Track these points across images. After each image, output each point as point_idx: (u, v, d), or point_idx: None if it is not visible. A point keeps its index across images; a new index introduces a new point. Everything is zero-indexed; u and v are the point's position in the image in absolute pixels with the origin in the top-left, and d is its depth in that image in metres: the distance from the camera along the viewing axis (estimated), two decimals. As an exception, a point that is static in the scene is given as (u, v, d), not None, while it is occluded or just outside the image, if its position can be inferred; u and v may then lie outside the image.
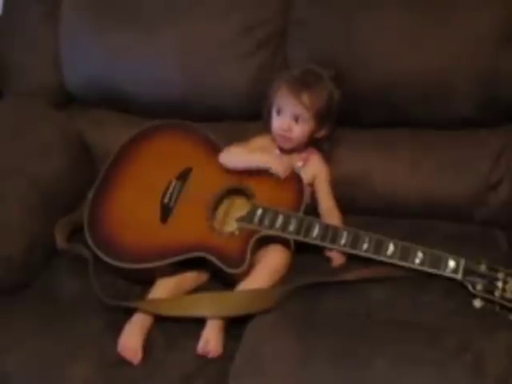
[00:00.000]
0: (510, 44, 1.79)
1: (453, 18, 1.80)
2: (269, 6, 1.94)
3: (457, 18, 1.80)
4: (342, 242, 1.63)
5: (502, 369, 1.41)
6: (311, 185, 1.82)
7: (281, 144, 1.82)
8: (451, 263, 1.57)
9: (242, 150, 1.81)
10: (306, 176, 1.78)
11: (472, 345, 1.44)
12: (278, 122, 1.79)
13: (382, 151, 1.93)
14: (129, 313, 1.59)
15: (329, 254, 1.68)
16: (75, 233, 1.81)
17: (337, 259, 1.67)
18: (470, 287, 1.54)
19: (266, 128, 1.86)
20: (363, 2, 1.86)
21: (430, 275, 1.59)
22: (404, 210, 1.90)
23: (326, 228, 1.65)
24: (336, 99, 1.81)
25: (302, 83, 1.76)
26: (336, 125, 1.86)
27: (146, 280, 1.68)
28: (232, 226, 1.71)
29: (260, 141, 1.87)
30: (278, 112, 1.79)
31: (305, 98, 1.75)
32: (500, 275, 1.54)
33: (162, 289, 1.65)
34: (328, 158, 1.89)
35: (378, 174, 1.91)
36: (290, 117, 1.77)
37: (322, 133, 1.84)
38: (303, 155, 1.85)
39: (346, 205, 1.87)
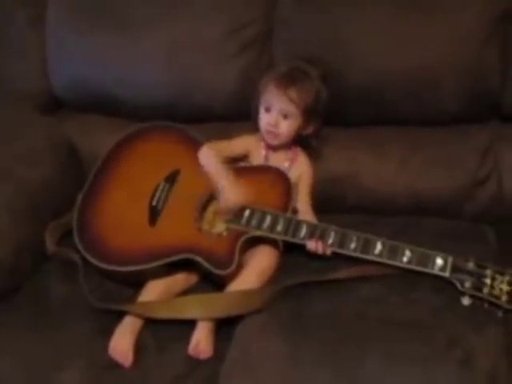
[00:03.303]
0: (495, 40, 1.80)
1: (439, 15, 1.81)
2: (254, 7, 1.94)
3: (443, 16, 1.81)
4: (330, 241, 1.63)
5: (491, 365, 1.42)
6: (298, 184, 1.81)
7: (268, 140, 1.82)
8: (439, 261, 1.58)
9: (217, 160, 1.78)
10: (292, 176, 1.78)
11: (461, 341, 1.45)
12: (266, 118, 1.79)
13: (370, 149, 1.93)
14: (119, 316, 1.59)
15: (309, 247, 1.66)
16: (65, 236, 1.81)
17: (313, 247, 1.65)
18: (458, 285, 1.54)
19: (254, 126, 1.86)
20: (349, 1, 1.86)
21: (419, 273, 1.59)
22: (393, 207, 1.90)
23: (313, 228, 1.66)
24: (323, 96, 1.81)
25: (290, 79, 1.76)
26: (324, 123, 1.85)
27: (136, 282, 1.68)
28: (220, 228, 1.71)
29: (246, 140, 1.87)
30: (267, 109, 1.79)
31: (293, 93, 1.75)
32: (488, 272, 1.54)
33: (152, 291, 1.65)
34: (316, 156, 1.89)
35: (366, 172, 1.92)
36: (278, 112, 1.77)
37: (308, 130, 1.84)
38: (290, 155, 1.85)
39: (334, 203, 1.90)
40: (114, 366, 1.52)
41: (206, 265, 1.61)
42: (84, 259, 1.69)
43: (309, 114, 1.79)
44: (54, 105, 2.14)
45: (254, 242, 1.69)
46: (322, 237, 1.64)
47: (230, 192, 1.72)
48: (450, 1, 1.81)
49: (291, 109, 1.76)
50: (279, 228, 1.66)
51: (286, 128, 1.78)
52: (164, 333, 1.58)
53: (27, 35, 2.10)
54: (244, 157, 1.87)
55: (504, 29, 1.80)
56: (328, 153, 1.93)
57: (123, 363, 1.52)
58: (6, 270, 1.70)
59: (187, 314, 1.57)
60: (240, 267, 1.64)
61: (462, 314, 1.52)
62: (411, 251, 1.60)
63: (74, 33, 2.02)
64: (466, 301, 1.53)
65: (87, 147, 2.06)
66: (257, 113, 1.82)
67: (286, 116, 1.77)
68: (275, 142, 1.82)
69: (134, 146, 1.91)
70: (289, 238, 1.66)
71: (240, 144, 1.87)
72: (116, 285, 1.70)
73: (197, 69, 1.95)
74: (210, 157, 1.80)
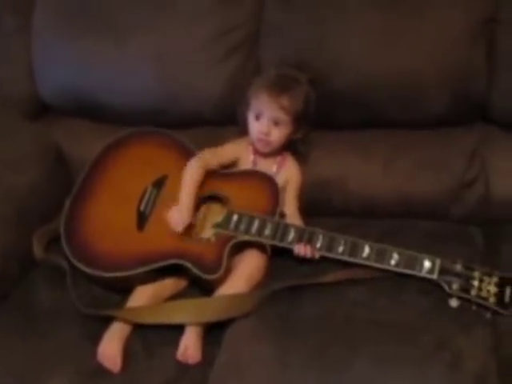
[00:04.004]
0: (481, 42, 1.80)
1: (424, 18, 1.81)
2: (240, 11, 1.94)
3: (428, 19, 1.81)
4: (318, 245, 1.64)
5: (479, 366, 1.43)
6: (285, 188, 1.81)
7: (260, 148, 1.82)
8: (427, 263, 1.58)
9: (190, 179, 1.76)
10: (280, 180, 1.79)
11: (450, 343, 1.46)
12: (258, 126, 1.78)
13: (357, 152, 1.93)
14: (107, 322, 1.59)
15: (297, 251, 1.66)
16: (53, 242, 1.80)
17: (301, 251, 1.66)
18: (445, 287, 1.55)
19: (242, 132, 1.87)
20: (335, 4, 1.86)
21: (407, 275, 1.60)
22: (380, 210, 1.90)
23: (301, 232, 1.66)
24: (312, 101, 1.81)
25: (281, 87, 1.76)
26: (312, 127, 1.86)
27: (125, 288, 1.67)
28: (208, 233, 1.71)
29: (235, 147, 1.87)
30: (257, 116, 1.78)
31: (284, 101, 1.74)
32: (476, 274, 1.56)
33: (140, 296, 1.65)
34: (304, 160, 1.89)
35: (353, 175, 1.91)
36: (269, 121, 1.77)
37: (298, 135, 1.84)
38: (278, 159, 1.85)
39: (322, 207, 1.90)
40: (103, 371, 1.52)
41: (195, 270, 1.61)
42: (72, 265, 1.68)
43: (299, 119, 1.79)
44: (41, 110, 2.13)
45: (242, 246, 1.69)
46: (310, 241, 1.65)
47: (178, 214, 1.71)
48: (436, 3, 1.81)
49: (282, 116, 1.76)
50: (267, 232, 1.66)
51: (278, 135, 1.79)
52: (153, 338, 1.58)
53: (14, 41, 2.08)
54: (234, 162, 1.87)
55: (490, 31, 1.81)
56: (315, 156, 1.93)
57: (112, 369, 1.52)
58: (-8, 277, 1.69)
59: (176, 318, 1.57)
60: (228, 272, 1.64)
61: (450, 316, 1.52)
62: (399, 254, 1.60)
63: (60, 38, 2.01)
64: (454, 303, 1.54)
65: (75, 153, 2.05)
66: (244, 118, 1.83)
67: (277, 123, 1.77)
68: (267, 150, 1.82)
69: (122, 151, 1.90)
70: (277, 243, 1.66)
71: (230, 150, 1.87)
72: (104, 290, 1.70)
73: (184, 74, 1.94)
74: (187, 172, 1.78)
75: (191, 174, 1.77)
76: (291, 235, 1.66)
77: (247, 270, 1.66)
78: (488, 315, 1.52)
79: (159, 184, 1.80)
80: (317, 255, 1.64)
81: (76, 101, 2.05)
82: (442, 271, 1.57)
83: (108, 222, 1.75)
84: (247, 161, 1.85)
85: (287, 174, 1.84)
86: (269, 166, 1.83)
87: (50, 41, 2.03)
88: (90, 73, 2.00)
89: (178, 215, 1.71)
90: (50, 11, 2.04)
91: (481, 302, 1.52)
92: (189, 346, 1.54)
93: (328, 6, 1.87)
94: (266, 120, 1.77)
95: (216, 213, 1.75)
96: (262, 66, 1.94)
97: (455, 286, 1.54)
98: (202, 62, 1.94)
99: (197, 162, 1.80)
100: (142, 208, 1.76)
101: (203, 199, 1.77)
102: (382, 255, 1.61)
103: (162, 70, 1.95)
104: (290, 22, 1.89)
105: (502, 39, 1.82)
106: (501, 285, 1.54)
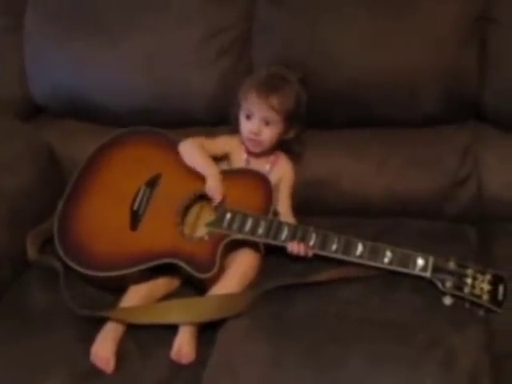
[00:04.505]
0: (472, 41, 1.81)
1: (416, 18, 1.82)
2: (233, 12, 1.94)
3: (420, 18, 1.81)
4: (311, 243, 1.64)
5: (473, 364, 1.43)
6: (278, 186, 1.81)
7: (251, 148, 1.82)
8: (420, 261, 1.58)
9: (201, 151, 1.81)
10: (273, 179, 1.78)
11: (443, 341, 1.46)
12: (248, 126, 1.79)
13: (350, 151, 1.93)
14: (101, 322, 1.58)
15: (290, 249, 1.66)
16: (47, 244, 1.80)
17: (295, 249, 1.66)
18: (439, 285, 1.55)
19: (234, 131, 1.87)
20: (327, 3, 1.86)
21: (400, 273, 1.60)
22: (374, 208, 1.91)
23: (294, 230, 1.66)
24: (303, 100, 1.81)
25: (270, 87, 1.76)
26: (304, 126, 1.86)
27: (119, 288, 1.67)
28: (202, 231, 1.71)
29: (228, 141, 1.88)
30: (248, 116, 1.79)
31: (274, 101, 1.75)
32: (469, 272, 1.56)
33: (134, 295, 1.65)
34: (297, 159, 1.89)
35: (347, 174, 1.92)
36: (259, 120, 1.77)
37: (290, 134, 1.84)
38: (271, 158, 1.85)
39: (315, 206, 1.90)
40: (96, 372, 1.51)
41: (188, 269, 1.61)
42: (66, 266, 1.68)
43: (290, 119, 1.80)
44: (34, 111, 2.13)
45: (236, 245, 1.69)
46: (304, 239, 1.64)
47: (214, 184, 1.73)
48: (428, 2, 1.82)
49: (272, 116, 1.76)
50: (260, 231, 1.66)
51: (269, 135, 1.79)
52: (146, 338, 1.57)
53: (5, 43, 2.08)
54: (224, 156, 1.87)
55: (481, 29, 1.82)
56: (308, 155, 1.93)
57: (105, 369, 1.52)
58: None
59: (169, 318, 1.57)
60: (222, 270, 1.64)
61: (444, 314, 1.53)
62: (392, 252, 1.60)
63: (52, 39, 2.01)
64: (447, 301, 1.54)
65: (67, 154, 2.04)
66: (236, 119, 1.83)
67: (267, 123, 1.77)
68: (257, 150, 1.82)
69: (115, 151, 1.90)
70: (270, 241, 1.66)
71: (221, 144, 1.87)
72: (97, 291, 1.69)
73: (176, 74, 1.94)
74: (193, 149, 1.81)
75: (195, 147, 1.81)
76: (284, 233, 1.65)
77: (241, 268, 1.66)
78: (481, 313, 1.52)
79: (152, 183, 1.79)
80: (310, 253, 1.64)
81: (68, 102, 2.05)
82: (435, 269, 1.57)
83: (101, 222, 1.75)
84: (240, 159, 1.85)
85: (280, 172, 1.84)
86: (262, 165, 1.83)
87: (42, 42, 2.03)
88: (82, 74, 2.00)
89: (216, 186, 1.72)
90: (41, 12, 2.04)
91: (474, 299, 1.52)
92: (182, 346, 1.53)
93: (320, 5, 1.87)
94: (256, 120, 1.77)
95: (209, 211, 1.75)
96: (254, 66, 1.94)
97: (448, 284, 1.54)
98: (194, 63, 1.94)
99: (193, 142, 1.82)
100: (135, 207, 1.75)
101: (196, 198, 1.77)
102: (375, 253, 1.60)
103: (154, 71, 1.95)
104: (283, 22, 1.89)
105: (493, 38, 1.82)
106: (494, 282, 1.54)
